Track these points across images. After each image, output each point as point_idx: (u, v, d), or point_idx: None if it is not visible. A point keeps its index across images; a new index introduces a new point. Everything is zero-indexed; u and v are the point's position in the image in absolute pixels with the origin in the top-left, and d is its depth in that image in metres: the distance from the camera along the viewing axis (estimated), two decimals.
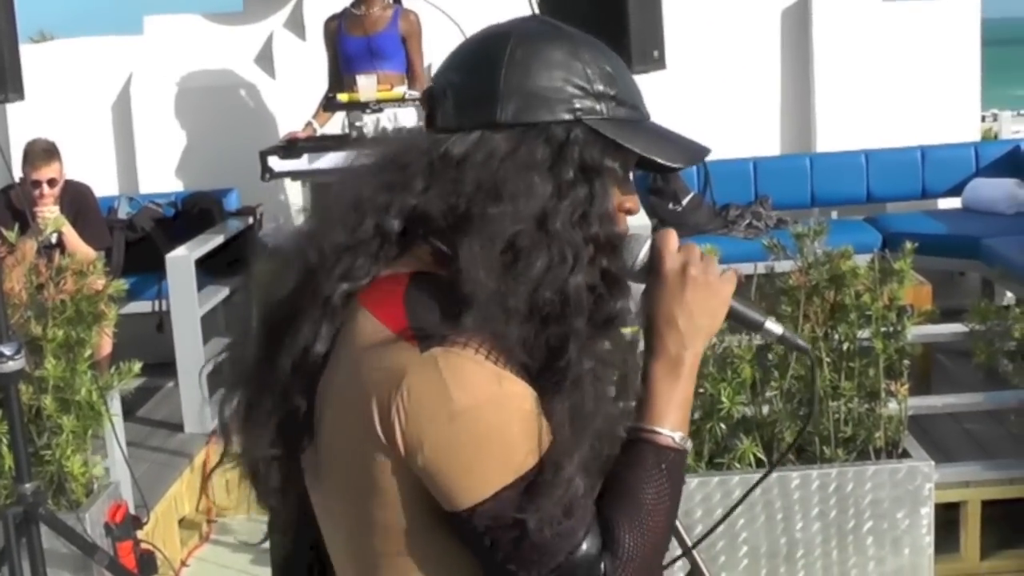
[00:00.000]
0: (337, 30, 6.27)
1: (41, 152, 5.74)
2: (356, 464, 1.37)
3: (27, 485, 3.74)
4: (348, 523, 1.43)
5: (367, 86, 5.65)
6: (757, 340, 3.96)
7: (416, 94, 5.72)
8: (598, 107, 1.41)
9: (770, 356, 3.96)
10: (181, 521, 5.09)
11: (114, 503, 4.21)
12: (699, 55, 6.90)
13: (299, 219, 5.20)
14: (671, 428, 1.42)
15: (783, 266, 4.07)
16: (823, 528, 3.89)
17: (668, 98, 6.51)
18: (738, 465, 3.90)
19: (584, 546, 1.33)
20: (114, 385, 4.22)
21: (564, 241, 1.36)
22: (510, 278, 1.34)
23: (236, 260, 6.33)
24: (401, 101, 5.65)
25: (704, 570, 3.53)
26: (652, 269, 1.46)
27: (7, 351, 3.61)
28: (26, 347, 3.78)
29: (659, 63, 3.56)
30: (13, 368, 3.63)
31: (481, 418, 1.30)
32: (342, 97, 5.75)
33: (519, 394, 1.32)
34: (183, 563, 4.97)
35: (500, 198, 1.36)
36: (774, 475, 3.84)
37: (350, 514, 1.42)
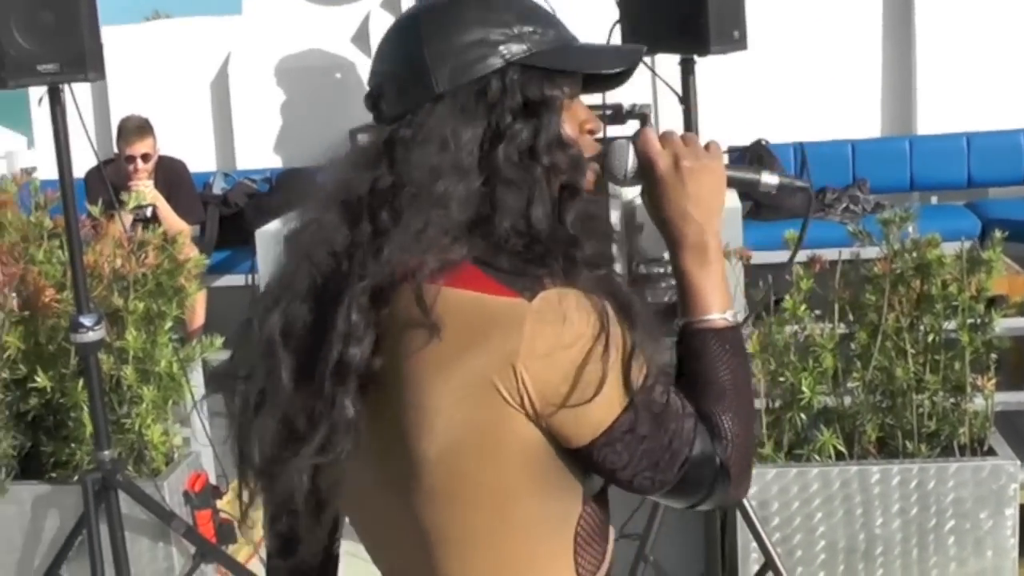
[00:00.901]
0: None
1: (135, 128, 5.84)
2: (486, 453, 1.39)
3: (106, 452, 3.81)
4: (456, 531, 1.44)
5: None
6: (841, 329, 3.87)
7: None
8: (524, 45, 1.45)
9: (852, 346, 3.86)
10: None
11: (194, 472, 4.26)
12: (787, 35, 6.75)
13: None
14: (720, 310, 1.51)
15: (869, 253, 3.96)
16: (903, 526, 3.78)
17: (749, 80, 6.45)
18: (817, 457, 3.81)
19: (698, 442, 1.43)
20: (195, 358, 4.27)
21: (516, 180, 1.42)
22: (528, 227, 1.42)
23: None
24: None
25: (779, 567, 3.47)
26: (644, 173, 1.54)
27: (87, 322, 3.68)
28: (107, 319, 3.84)
29: (739, 43, 3.48)
30: (93, 339, 3.70)
31: (600, 340, 1.37)
32: None
33: (613, 317, 1.39)
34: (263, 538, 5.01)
35: (456, 163, 1.41)
36: (854, 469, 3.74)
37: (465, 520, 1.43)
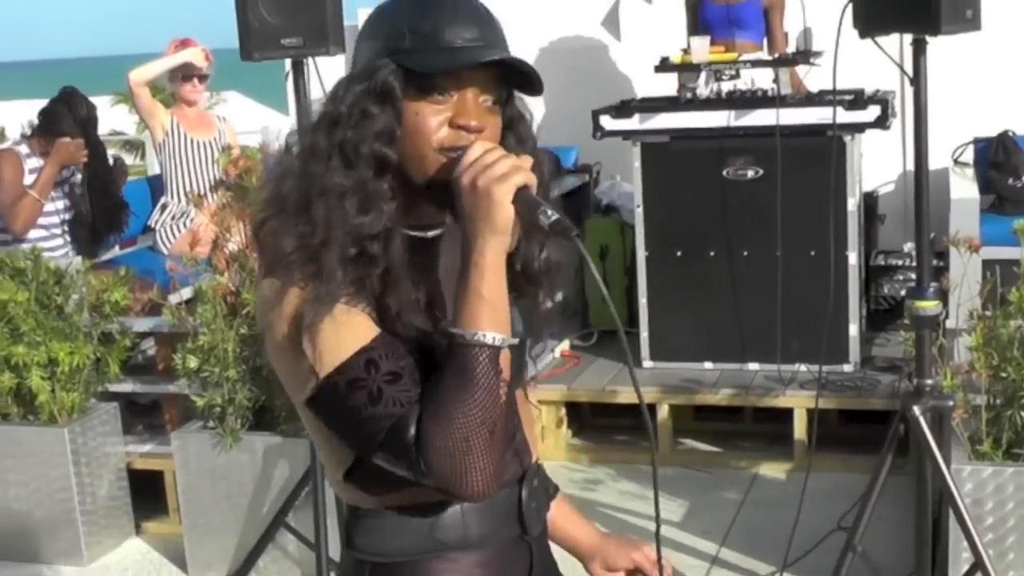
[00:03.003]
0: None
1: None
2: None
3: None
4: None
5: (699, 48, 5.61)
6: None
7: (765, 57, 5.68)
8: (403, 44, 1.63)
9: None
10: None
11: None
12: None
13: (636, 179, 5.20)
14: (461, 326, 1.57)
15: None
16: None
17: (996, 66, 6.13)
18: None
19: (401, 425, 1.55)
20: None
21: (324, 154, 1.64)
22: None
23: (571, 215, 6.46)
24: (733, 63, 5.58)
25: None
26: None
27: None
28: None
29: (972, 23, 3.35)
30: None
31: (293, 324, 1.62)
32: (675, 59, 5.75)
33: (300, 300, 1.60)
34: None
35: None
36: None
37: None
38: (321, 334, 1.57)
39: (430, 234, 1.72)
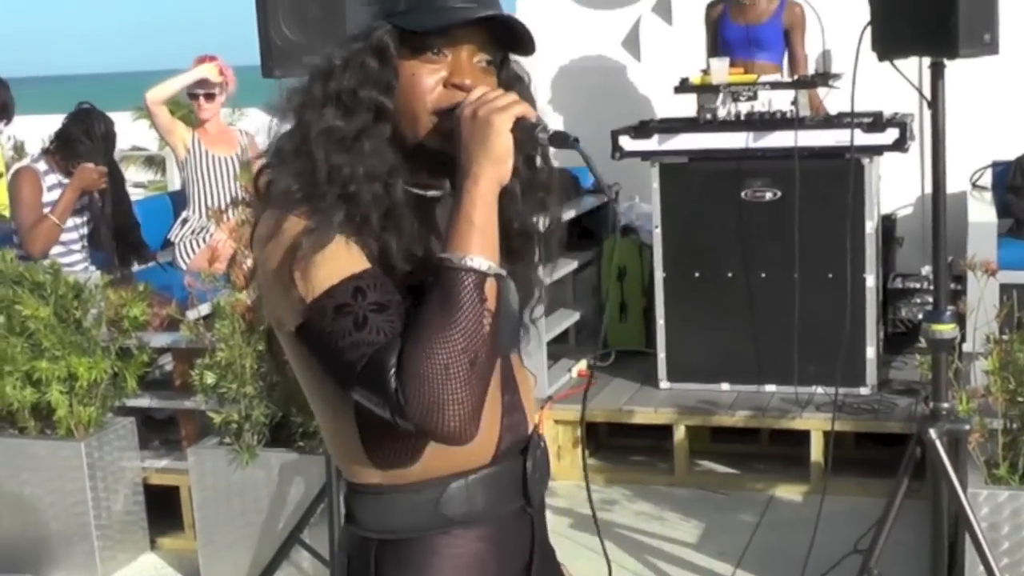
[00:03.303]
0: (720, 16, 6.31)
1: None
2: None
3: None
4: None
5: (719, 69, 5.62)
6: None
7: (785, 79, 5.69)
8: (398, 7, 1.68)
9: None
10: None
11: None
12: None
13: (654, 199, 5.21)
14: (450, 250, 1.59)
15: None
16: None
17: (999, 85, 6.11)
18: None
19: (382, 354, 1.55)
20: None
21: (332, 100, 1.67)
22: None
23: (589, 234, 6.49)
24: (753, 84, 5.58)
25: None
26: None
27: None
28: None
29: (991, 47, 3.36)
30: None
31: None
32: (694, 80, 5.76)
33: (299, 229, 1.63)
34: None
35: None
36: None
37: None
38: (315, 263, 1.60)
39: (429, 193, 1.74)
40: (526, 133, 1.62)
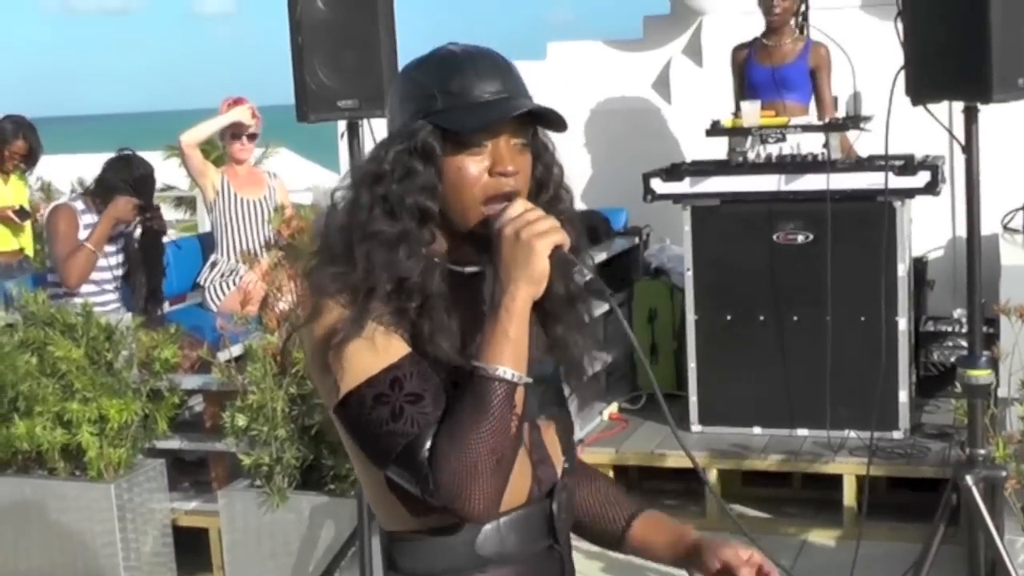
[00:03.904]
0: (746, 59, 6.31)
1: None
2: None
3: None
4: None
5: (750, 112, 5.62)
6: None
7: (815, 122, 5.67)
8: (435, 105, 1.77)
9: None
10: None
11: None
12: None
13: (686, 242, 5.19)
14: (485, 360, 1.71)
15: None
16: None
17: None
18: None
19: (416, 444, 1.69)
20: None
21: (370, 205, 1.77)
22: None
23: (620, 277, 6.48)
24: (784, 127, 5.58)
25: None
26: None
27: None
28: None
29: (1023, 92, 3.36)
30: None
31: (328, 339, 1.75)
32: (726, 122, 5.76)
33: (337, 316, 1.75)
34: None
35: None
36: None
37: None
38: (353, 351, 1.72)
39: (468, 270, 1.85)
40: (562, 265, 1.75)
